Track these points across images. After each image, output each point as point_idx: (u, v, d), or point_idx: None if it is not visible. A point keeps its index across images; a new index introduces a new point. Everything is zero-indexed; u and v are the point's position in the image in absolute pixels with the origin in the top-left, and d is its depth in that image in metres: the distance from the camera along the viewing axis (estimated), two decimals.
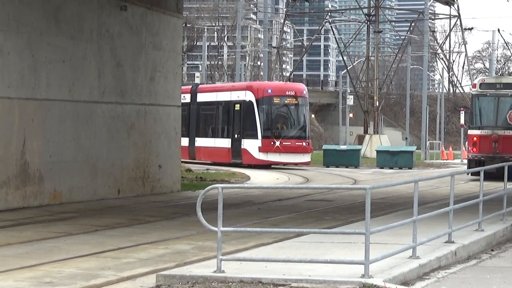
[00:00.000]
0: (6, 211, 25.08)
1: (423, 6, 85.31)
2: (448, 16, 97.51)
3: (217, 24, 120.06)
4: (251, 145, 51.89)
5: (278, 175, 44.74)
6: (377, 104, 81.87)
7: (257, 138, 51.62)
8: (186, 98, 56.81)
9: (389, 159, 54.58)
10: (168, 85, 34.28)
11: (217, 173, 45.01)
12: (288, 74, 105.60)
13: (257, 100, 51.86)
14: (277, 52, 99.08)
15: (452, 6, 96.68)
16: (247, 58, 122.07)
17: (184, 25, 46.22)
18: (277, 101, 52.38)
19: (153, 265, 15.98)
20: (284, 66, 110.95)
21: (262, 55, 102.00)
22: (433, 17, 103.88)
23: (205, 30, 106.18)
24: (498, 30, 78.29)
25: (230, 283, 13.16)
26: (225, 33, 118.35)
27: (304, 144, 52.31)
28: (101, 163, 30.24)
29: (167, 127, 34.41)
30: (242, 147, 52.96)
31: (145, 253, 17.70)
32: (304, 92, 53.74)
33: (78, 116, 29.16)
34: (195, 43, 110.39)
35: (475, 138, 42.37)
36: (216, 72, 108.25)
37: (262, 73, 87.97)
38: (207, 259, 15.66)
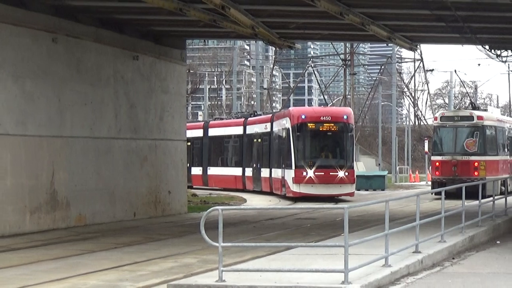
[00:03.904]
0: (38, 233, 25.04)
1: (391, 52, 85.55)
2: (413, 60, 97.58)
3: (216, 70, 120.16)
4: (287, 176, 41.64)
5: (270, 198, 44.66)
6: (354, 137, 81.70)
7: (290, 169, 41.17)
8: (199, 133, 55.12)
9: (364, 182, 54.45)
10: (175, 123, 34.30)
11: (218, 197, 44.86)
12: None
13: (292, 127, 41.40)
14: (268, 92, 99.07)
15: (415, 51, 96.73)
16: (242, 98, 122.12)
17: (187, 71, 46.13)
18: (311, 127, 41.39)
19: (164, 276, 15.96)
20: (274, 104, 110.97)
21: (255, 95, 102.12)
22: (399, 61, 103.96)
23: (206, 75, 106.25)
24: (455, 71, 78.36)
25: None
26: (223, 77, 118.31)
27: (340, 174, 40.75)
28: (118, 190, 30.22)
29: (175, 158, 34.42)
30: (262, 176, 46.13)
31: (157, 266, 17.69)
32: (345, 117, 41.79)
33: (99, 150, 29.16)
34: (197, 86, 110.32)
35: (437, 163, 42.41)
36: (216, 111, 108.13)
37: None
38: (210, 270, 15.62)
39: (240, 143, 50.69)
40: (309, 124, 41.20)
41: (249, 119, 50.97)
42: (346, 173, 40.70)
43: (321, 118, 41.41)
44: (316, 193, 40.13)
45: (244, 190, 48.69)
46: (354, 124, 43.80)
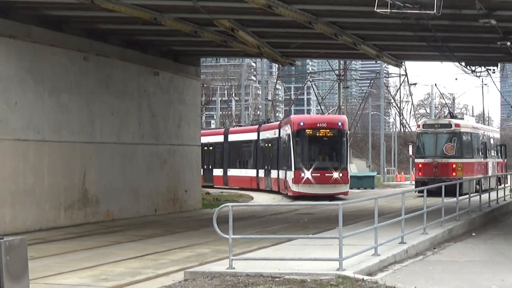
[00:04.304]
0: (71, 226, 25.07)
1: (380, 68, 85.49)
2: (398, 75, 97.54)
3: (226, 84, 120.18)
4: (289, 177, 41.01)
5: (274, 196, 44.61)
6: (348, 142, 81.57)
7: (291, 170, 40.52)
8: (220, 138, 54.54)
9: (356, 181, 54.33)
10: (191, 130, 34.31)
11: (229, 195, 44.81)
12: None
13: (292, 133, 40.70)
14: (272, 103, 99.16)
15: (400, 68, 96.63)
16: (250, 108, 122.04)
17: (202, 85, 46.00)
18: (309, 133, 40.59)
19: (182, 264, 15.96)
20: (277, 114, 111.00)
21: (260, 106, 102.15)
22: (387, 76, 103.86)
23: (218, 88, 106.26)
24: (435, 84, 78.65)
25: (239, 276, 13.14)
26: (233, 91, 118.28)
27: (335, 175, 39.99)
28: (142, 189, 30.23)
29: (191, 161, 34.43)
30: (272, 177, 45.10)
31: (175, 256, 17.69)
32: (339, 123, 41.29)
33: (124, 154, 29.19)
34: (210, 98, 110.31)
35: (420, 165, 42.33)
36: (227, 120, 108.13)
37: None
38: (222, 259, 15.63)
39: (254, 148, 50.03)
40: (307, 130, 40.72)
41: (262, 126, 50.38)
42: (341, 174, 40.12)
43: (318, 125, 40.94)
44: (313, 192, 39.47)
45: (258, 189, 48.06)
46: (348, 130, 42.90)
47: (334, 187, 40.07)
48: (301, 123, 41.00)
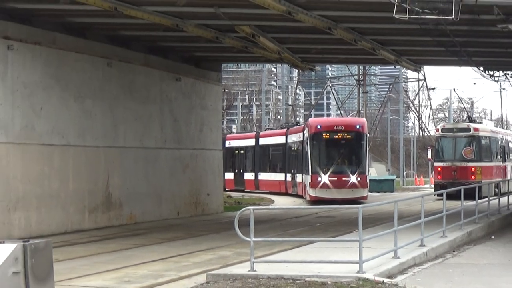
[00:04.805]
0: (95, 229, 25.15)
1: (398, 73, 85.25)
2: (417, 80, 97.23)
3: (247, 89, 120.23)
4: (306, 181, 39.90)
5: (295, 199, 44.49)
6: (368, 145, 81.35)
7: (308, 174, 39.40)
8: (252, 142, 53.43)
9: (376, 185, 54.12)
10: (212, 135, 34.34)
11: (250, 198, 44.76)
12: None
13: (309, 136, 39.61)
14: (292, 108, 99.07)
15: (419, 72, 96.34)
16: (270, 113, 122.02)
17: (223, 90, 45.87)
18: (326, 137, 39.36)
19: (204, 267, 15.96)
20: (297, 119, 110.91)
21: (281, 111, 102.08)
22: (406, 81, 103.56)
23: (239, 93, 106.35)
24: (454, 89, 78.24)
25: (260, 279, 13.13)
26: (254, 96, 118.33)
27: (352, 179, 38.62)
28: (164, 193, 30.28)
29: (213, 165, 34.44)
30: (297, 181, 43.69)
31: (198, 258, 17.70)
32: (358, 126, 39.77)
33: (147, 158, 29.25)
34: (231, 103, 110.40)
35: (439, 169, 42.20)
36: (248, 124, 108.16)
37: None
38: (243, 261, 15.62)
39: (282, 151, 48.74)
40: (324, 133, 39.54)
41: (290, 129, 48.82)
42: (358, 178, 38.67)
43: (335, 128, 39.70)
44: (330, 197, 38.04)
45: (286, 193, 46.88)
46: (367, 133, 41.29)
47: (352, 191, 38.70)
48: (318, 126, 39.94)
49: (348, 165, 39.46)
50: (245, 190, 51.68)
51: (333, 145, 39.61)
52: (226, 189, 52.36)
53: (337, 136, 39.44)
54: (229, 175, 54.38)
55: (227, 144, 55.04)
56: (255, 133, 57.05)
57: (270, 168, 51.03)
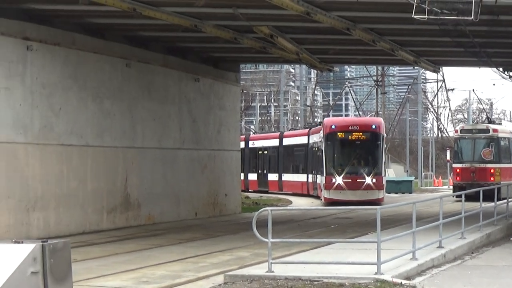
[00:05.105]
0: (114, 230, 25.20)
1: (417, 73, 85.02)
2: (436, 80, 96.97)
3: (265, 90, 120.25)
4: (321, 182, 39.01)
5: (313, 200, 44.33)
6: (385, 146, 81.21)
7: (322, 175, 38.61)
8: (275, 142, 51.92)
9: (394, 186, 53.95)
10: (230, 136, 34.34)
11: (268, 199, 44.70)
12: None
13: (324, 137, 38.74)
14: (310, 109, 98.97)
15: (438, 73, 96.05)
16: (288, 114, 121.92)
17: (241, 91, 45.76)
18: (341, 137, 38.26)
19: (222, 267, 15.95)
20: (316, 120, 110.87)
21: (299, 112, 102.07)
22: (424, 81, 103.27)
23: (257, 94, 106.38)
24: (473, 90, 78.10)
25: (278, 280, 13.11)
26: (272, 96, 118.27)
27: (367, 180, 37.54)
28: (182, 193, 30.30)
29: (231, 166, 34.45)
30: (317, 182, 42.03)
31: (215, 259, 17.70)
32: (373, 126, 38.53)
33: (165, 159, 29.28)
34: (250, 104, 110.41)
35: (458, 170, 42.02)
36: (266, 125, 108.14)
37: (299, 125, 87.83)
38: (261, 262, 15.56)
39: (305, 152, 47.46)
40: (338, 133, 38.33)
41: (312, 129, 47.45)
42: (374, 180, 37.52)
43: (350, 128, 38.47)
44: (344, 198, 36.87)
45: (308, 195, 45.75)
46: (384, 133, 39.74)
47: (367, 193, 37.49)
48: (333, 126, 38.77)
49: (363, 166, 38.39)
50: (269, 192, 50.65)
51: (348, 145, 38.57)
52: (250, 190, 52.19)
53: (352, 136, 38.37)
54: (253, 176, 53.65)
55: (250, 144, 54.47)
56: (279, 133, 55.84)
57: (293, 169, 49.92)
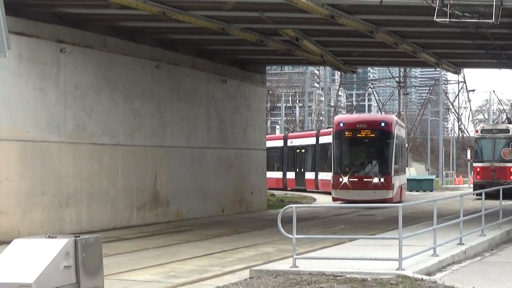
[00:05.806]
0: (143, 226, 25.31)
1: (439, 75, 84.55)
2: (457, 82, 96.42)
3: (291, 91, 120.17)
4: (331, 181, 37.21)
5: None
6: (407, 146, 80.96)
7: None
8: (312, 141, 49.58)
9: (415, 184, 53.72)
10: (256, 135, 34.36)
11: (293, 196, 44.63)
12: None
13: (332, 135, 37.14)
14: (334, 110, 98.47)
15: (459, 75, 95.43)
16: (313, 114, 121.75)
17: (267, 92, 45.75)
18: (348, 135, 36.13)
19: (247, 262, 15.97)
20: None
21: (323, 112, 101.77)
22: (445, 83, 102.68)
23: (282, 95, 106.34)
24: (493, 91, 77.70)
25: (302, 275, 13.09)
26: (297, 97, 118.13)
27: (375, 180, 35.44)
28: (210, 191, 30.37)
29: (257, 165, 34.47)
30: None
31: (241, 254, 17.71)
32: (382, 124, 36.17)
33: (193, 158, 29.36)
34: (275, 104, 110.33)
35: (478, 169, 41.84)
36: (291, 125, 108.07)
37: (323, 125, 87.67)
38: (285, 258, 15.56)
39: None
40: (346, 132, 36.14)
41: None
42: (382, 179, 35.41)
43: (357, 126, 36.18)
44: (350, 198, 35.03)
45: None
46: (395, 131, 36.93)
47: (374, 193, 35.10)
48: (341, 124, 36.60)
49: (371, 165, 36.47)
50: (307, 190, 49.11)
51: (355, 144, 36.52)
52: (288, 189, 51.65)
53: (360, 134, 36.18)
54: (291, 175, 52.47)
55: (288, 142, 53.47)
56: (316, 131, 53.38)
57: (328, 167, 47.12)
